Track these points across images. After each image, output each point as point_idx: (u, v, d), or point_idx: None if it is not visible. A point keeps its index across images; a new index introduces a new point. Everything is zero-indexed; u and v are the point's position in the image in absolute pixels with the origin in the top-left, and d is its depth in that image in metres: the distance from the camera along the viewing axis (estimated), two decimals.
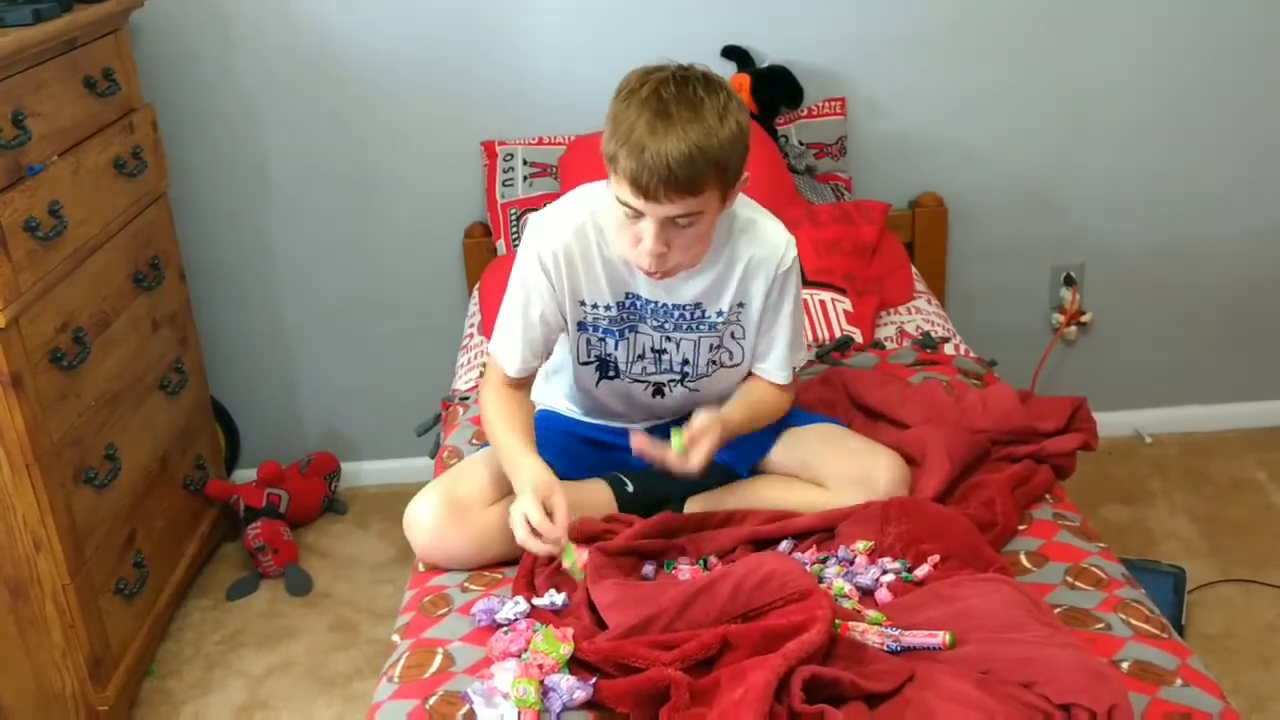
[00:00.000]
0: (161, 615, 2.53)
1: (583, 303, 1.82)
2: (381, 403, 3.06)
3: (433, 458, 2.25)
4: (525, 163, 2.77)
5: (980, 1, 2.75)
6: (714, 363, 1.88)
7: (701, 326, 1.83)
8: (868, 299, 2.49)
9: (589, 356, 1.88)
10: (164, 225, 2.68)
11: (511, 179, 2.77)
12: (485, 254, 2.82)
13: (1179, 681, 1.43)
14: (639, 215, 1.63)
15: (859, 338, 2.40)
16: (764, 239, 1.80)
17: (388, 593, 2.70)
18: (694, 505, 1.90)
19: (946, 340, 2.40)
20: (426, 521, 1.78)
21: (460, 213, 2.89)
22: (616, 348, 1.86)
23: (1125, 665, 1.45)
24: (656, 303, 1.81)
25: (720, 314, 1.83)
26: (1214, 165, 2.91)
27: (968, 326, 2.67)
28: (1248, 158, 2.90)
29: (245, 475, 3.05)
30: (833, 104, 2.80)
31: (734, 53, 2.76)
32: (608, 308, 1.81)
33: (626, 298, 1.82)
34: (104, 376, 2.33)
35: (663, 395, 1.91)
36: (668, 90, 1.59)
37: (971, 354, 2.37)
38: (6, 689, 2.23)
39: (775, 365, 1.89)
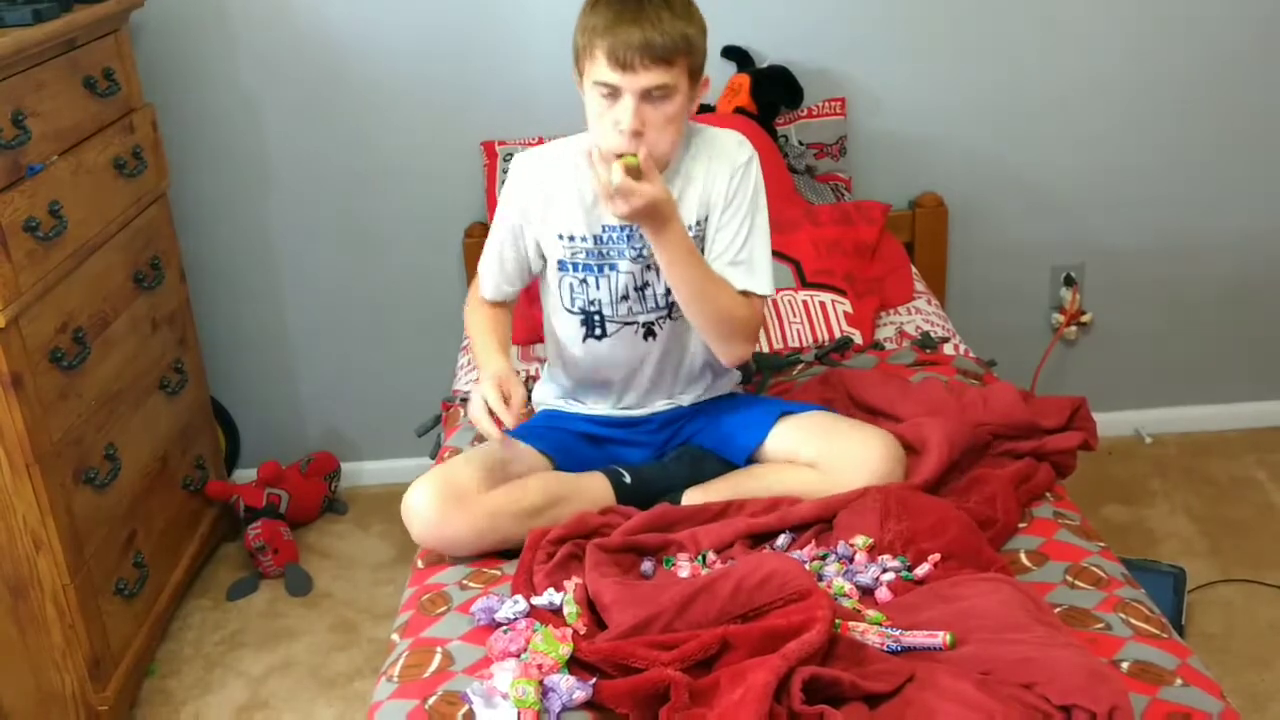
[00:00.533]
0: (161, 615, 2.53)
1: (560, 235, 1.88)
2: (381, 403, 3.06)
3: (433, 459, 2.25)
4: None
5: (980, 1, 2.75)
6: None
7: None
8: (868, 300, 2.49)
9: (573, 306, 1.92)
10: (164, 225, 2.68)
11: None
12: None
13: (1179, 681, 1.43)
14: (616, 96, 1.70)
15: (859, 339, 2.40)
16: (718, 142, 1.88)
17: (388, 593, 2.70)
18: (691, 496, 1.90)
19: (946, 340, 2.40)
20: (424, 508, 1.78)
21: (460, 213, 2.89)
22: (599, 288, 1.89)
23: (1125, 665, 1.45)
24: (633, 229, 1.83)
25: (689, 229, 1.83)
26: (1214, 165, 2.90)
27: (968, 326, 2.67)
28: (1248, 158, 2.90)
29: (245, 475, 3.05)
30: (832, 104, 2.80)
31: (734, 53, 2.76)
32: (584, 239, 1.87)
33: (603, 230, 1.86)
34: (104, 376, 2.33)
35: (654, 335, 1.92)
36: None
37: (971, 354, 2.37)
38: (6, 689, 2.23)
39: (728, 265, 1.85)
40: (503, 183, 2.74)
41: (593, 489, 1.88)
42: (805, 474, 1.87)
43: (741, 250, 1.85)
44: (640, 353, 1.95)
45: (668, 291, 1.87)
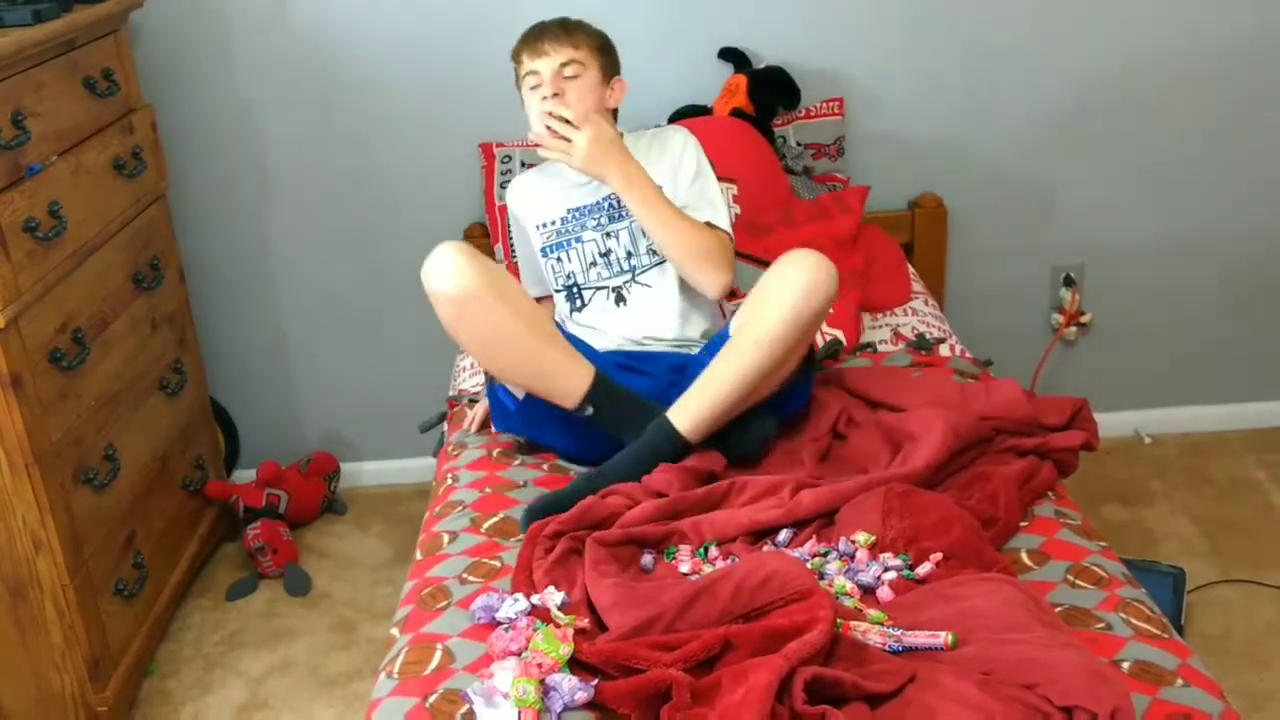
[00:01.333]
0: (161, 616, 2.53)
1: (537, 226, 2.24)
2: (381, 403, 3.06)
3: (435, 456, 2.26)
4: (523, 164, 2.76)
5: (979, 1, 2.75)
6: (653, 251, 2.15)
7: (627, 213, 2.13)
8: (849, 296, 2.43)
9: (558, 284, 2.22)
10: (163, 225, 2.68)
11: (509, 180, 2.76)
12: (484, 255, 2.82)
13: (1180, 682, 1.43)
14: (539, 80, 2.08)
15: (843, 339, 2.38)
16: (662, 134, 2.25)
17: (387, 593, 2.70)
18: (675, 412, 1.92)
19: (942, 341, 2.40)
20: (448, 257, 1.91)
21: (459, 214, 2.89)
22: (571, 260, 2.19)
23: (1126, 665, 1.45)
24: (592, 204, 2.18)
25: None
26: (1214, 165, 2.91)
27: (967, 327, 2.67)
28: (1248, 158, 2.90)
29: (245, 475, 3.05)
30: (830, 104, 2.80)
31: (731, 54, 2.76)
32: (553, 222, 2.22)
33: (567, 212, 2.20)
34: (103, 377, 2.33)
35: (624, 301, 2.16)
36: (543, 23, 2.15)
37: (967, 355, 2.37)
38: (6, 690, 2.23)
39: (691, 212, 2.11)
40: (501, 184, 2.78)
41: (579, 360, 1.95)
42: (744, 309, 1.97)
43: (699, 198, 2.14)
44: (617, 320, 2.15)
45: (628, 255, 2.16)
